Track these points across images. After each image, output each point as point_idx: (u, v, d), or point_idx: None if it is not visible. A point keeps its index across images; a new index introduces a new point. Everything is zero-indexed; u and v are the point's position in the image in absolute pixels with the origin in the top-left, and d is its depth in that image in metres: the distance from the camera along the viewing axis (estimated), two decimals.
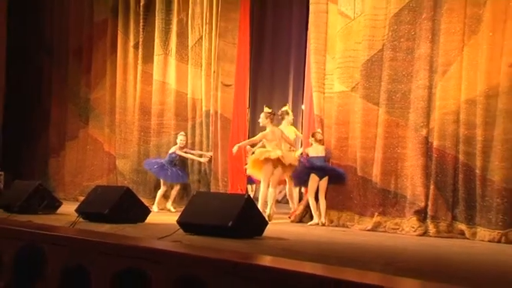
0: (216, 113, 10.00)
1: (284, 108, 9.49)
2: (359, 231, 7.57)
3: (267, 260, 4.91)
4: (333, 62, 8.37)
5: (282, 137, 8.53)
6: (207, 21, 10.16)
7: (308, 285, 4.03)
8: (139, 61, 11.19)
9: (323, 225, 7.91)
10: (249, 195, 6.71)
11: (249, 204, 6.38)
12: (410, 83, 7.62)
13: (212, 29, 10.11)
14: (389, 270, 4.48)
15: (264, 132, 8.54)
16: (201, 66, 10.27)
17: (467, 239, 6.90)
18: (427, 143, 7.41)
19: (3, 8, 13.43)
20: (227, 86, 9.99)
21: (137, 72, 11.23)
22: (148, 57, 11.08)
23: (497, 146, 6.74)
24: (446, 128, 7.24)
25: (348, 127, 8.14)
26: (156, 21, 10.90)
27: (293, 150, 9.21)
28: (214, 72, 10.00)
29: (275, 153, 8.25)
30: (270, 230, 6.49)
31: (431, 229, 7.13)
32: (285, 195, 12.70)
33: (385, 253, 5.72)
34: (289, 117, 9.31)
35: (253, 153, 9.13)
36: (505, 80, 6.74)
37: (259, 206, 7.61)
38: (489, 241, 6.64)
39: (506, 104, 6.71)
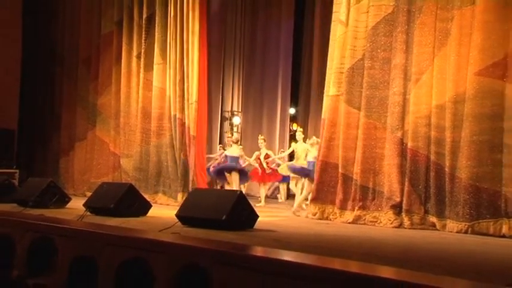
0: (181, 119, 10.23)
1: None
2: (341, 223, 7.54)
3: (260, 250, 4.88)
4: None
5: None
6: (175, 36, 10.40)
7: (297, 273, 4.01)
8: (142, 69, 11.14)
9: None
10: (241, 192, 6.66)
11: (241, 199, 6.34)
12: (387, 90, 7.61)
13: (177, 45, 10.38)
14: (369, 259, 4.46)
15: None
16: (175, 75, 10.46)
17: (438, 230, 6.90)
18: (402, 144, 7.40)
19: (18, 24, 13.36)
20: (194, 102, 10.18)
21: (139, 79, 11.18)
22: (149, 66, 11.02)
23: (464, 146, 6.75)
24: (419, 131, 7.25)
25: (336, 128, 8.06)
26: (156, 33, 10.85)
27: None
28: (179, 81, 10.28)
29: None
30: (259, 222, 6.45)
31: (406, 222, 7.13)
32: (274, 191, 12.77)
33: (365, 244, 5.71)
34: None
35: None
36: (470, 87, 6.74)
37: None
38: (457, 232, 6.63)
39: (472, 109, 6.71)
